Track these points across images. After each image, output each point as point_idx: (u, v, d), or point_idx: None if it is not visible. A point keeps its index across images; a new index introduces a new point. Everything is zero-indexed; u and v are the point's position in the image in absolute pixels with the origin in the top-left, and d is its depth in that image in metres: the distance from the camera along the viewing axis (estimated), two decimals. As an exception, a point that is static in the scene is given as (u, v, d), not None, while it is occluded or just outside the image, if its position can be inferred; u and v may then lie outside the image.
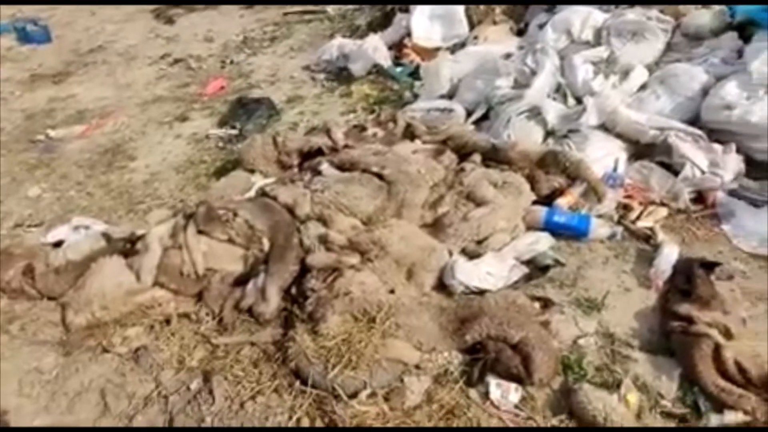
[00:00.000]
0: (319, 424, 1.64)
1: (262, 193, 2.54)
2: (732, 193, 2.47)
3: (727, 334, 1.82)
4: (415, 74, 4.00)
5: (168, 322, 2.09)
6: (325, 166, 2.63)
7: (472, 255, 2.26)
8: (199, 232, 2.26)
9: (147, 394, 1.84)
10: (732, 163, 2.47)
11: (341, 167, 2.60)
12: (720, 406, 1.64)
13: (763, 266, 2.20)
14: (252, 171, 2.95)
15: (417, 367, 1.85)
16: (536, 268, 2.23)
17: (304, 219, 2.31)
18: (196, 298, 2.17)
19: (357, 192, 2.36)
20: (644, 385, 1.78)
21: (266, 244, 2.21)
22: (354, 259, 2.06)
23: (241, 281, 2.16)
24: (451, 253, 2.25)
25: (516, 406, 1.75)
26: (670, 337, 1.89)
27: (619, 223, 2.47)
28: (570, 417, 1.70)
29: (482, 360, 1.83)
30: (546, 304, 2.09)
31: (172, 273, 2.15)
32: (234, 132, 3.68)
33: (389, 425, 1.61)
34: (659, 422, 1.59)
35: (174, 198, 3.05)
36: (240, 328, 2.03)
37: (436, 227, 2.38)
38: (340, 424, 1.60)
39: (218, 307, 2.10)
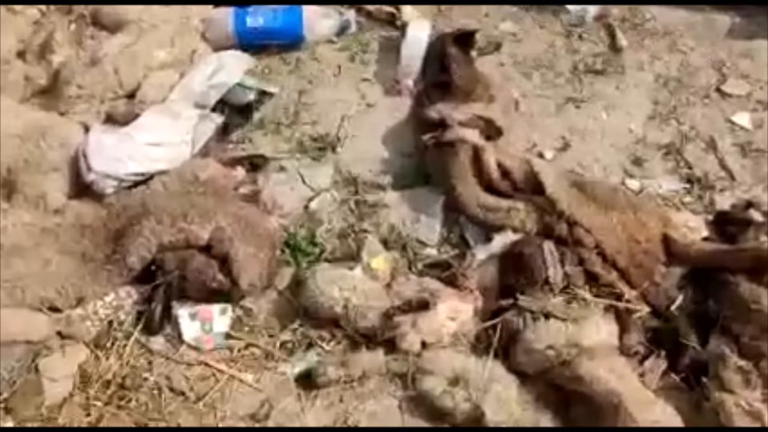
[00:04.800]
0: None
1: None
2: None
3: (491, 128, 1.28)
4: None
5: None
6: None
7: (124, 118, 1.36)
8: None
9: None
10: None
11: None
12: (488, 232, 1.17)
13: (537, 18, 1.63)
14: None
15: (61, 335, 1.14)
16: (236, 112, 1.42)
17: None
18: None
19: None
20: (400, 236, 1.24)
21: None
22: None
23: None
24: (88, 128, 1.32)
25: (228, 336, 1.12)
26: (425, 155, 1.32)
27: (351, 4, 1.66)
28: (307, 318, 1.13)
29: (159, 286, 1.11)
30: (254, 164, 1.35)
31: None
32: None
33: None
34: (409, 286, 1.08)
35: None
36: None
37: (51, 91, 1.38)
38: None
39: None
